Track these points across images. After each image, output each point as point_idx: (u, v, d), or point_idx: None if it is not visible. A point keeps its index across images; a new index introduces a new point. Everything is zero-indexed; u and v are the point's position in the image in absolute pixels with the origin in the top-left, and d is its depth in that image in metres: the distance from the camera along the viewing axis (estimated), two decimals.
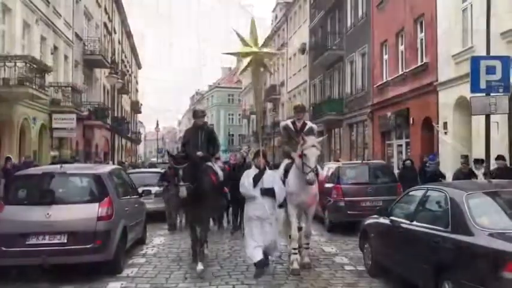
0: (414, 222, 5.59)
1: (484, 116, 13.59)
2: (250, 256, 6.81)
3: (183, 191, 6.77)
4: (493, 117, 13.00)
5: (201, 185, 7.20)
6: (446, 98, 15.71)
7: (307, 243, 7.75)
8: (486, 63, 8.19)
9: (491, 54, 12.97)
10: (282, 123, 8.24)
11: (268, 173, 7.05)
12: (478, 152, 12.40)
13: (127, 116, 42.16)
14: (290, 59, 38.56)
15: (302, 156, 6.92)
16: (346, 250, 9.05)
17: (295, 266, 7.16)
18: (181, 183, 6.76)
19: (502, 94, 8.26)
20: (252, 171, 7.03)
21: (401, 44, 19.67)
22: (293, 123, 7.97)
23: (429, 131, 17.01)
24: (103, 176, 7.41)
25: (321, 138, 7.57)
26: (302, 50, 34.12)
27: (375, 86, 21.87)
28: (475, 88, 8.30)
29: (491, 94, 8.30)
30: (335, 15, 28.56)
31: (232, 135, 68.84)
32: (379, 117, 21.36)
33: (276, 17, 44.30)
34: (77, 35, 24.04)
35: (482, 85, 8.08)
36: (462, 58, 14.98)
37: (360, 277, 7.00)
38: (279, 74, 42.54)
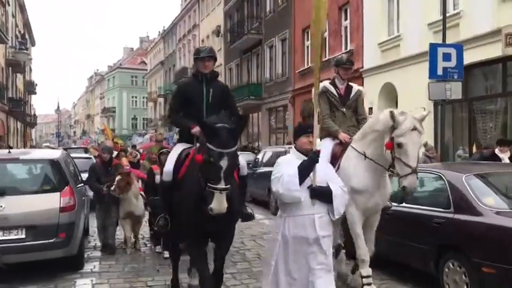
0: (410, 205, 5.67)
1: (409, 101, 14.48)
2: None
3: (221, 201, 3.80)
4: (420, 103, 13.95)
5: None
6: (372, 84, 16.41)
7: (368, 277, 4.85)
8: (443, 50, 8.61)
9: (420, 44, 13.87)
10: (320, 86, 5.35)
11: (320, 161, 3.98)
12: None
13: (22, 97, 38.64)
14: (203, 41, 37.87)
15: (394, 146, 4.39)
16: None
17: None
18: (222, 184, 3.80)
19: (456, 80, 8.76)
20: (291, 158, 4.06)
21: (325, 31, 20.13)
22: (333, 85, 5.52)
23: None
24: (60, 161, 6.62)
25: (425, 113, 4.62)
26: (217, 33, 33.68)
27: (296, 71, 22.24)
28: (432, 74, 8.71)
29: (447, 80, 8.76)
30: None
31: (136, 118, 66.41)
32: (302, 102, 21.81)
33: None
34: None
35: (439, 71, 8.51)
36: (388, 46, 15.75)
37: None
38: (190, 56, 41.58)
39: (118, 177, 7.23)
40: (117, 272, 6.55)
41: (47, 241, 5.95)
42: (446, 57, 8.55)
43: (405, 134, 4.34)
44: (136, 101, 68.29)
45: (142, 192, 7.86)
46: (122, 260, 7.17)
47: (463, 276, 4.79)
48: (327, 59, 19.53)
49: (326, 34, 19.97)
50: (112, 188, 7.18)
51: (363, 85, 17.33)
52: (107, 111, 69.83)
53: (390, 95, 15.79)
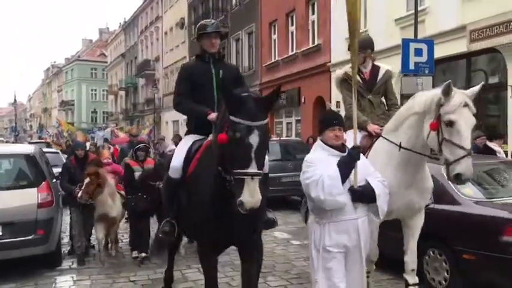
0: None
1: None
2: None
3: (254, 191, 2.98)
4: None
5: None
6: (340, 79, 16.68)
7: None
8: (414, 45, 8.86)
9: (387, 40, 14.20)
10: (338, 74, 5.01)
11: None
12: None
13: None
14: (166, 33, 37.37)
15: (440, 126, 3.67)
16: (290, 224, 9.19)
17: None
18: (254, 167, 3.01)
19: (427, 75, 9.04)
20: (322, 155, 3.47)
21: (292, 25, 20.30)
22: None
23: (321, 110, 17.96)
24: (36, 156, 6.44)
25: (477, 88, 3.82)
26: (181, 25, 33.30)
27: (263, 65, 22.31)
28: (405, 69, 8.96)
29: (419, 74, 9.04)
30: None
31: (96, 112, 64.89)
32: None
33: None
34: None
35: (411, 66, 8.76)
36: None
37: None
38: (152, 48, 41.00)
39: (86, 180, 6.25)
40: (96, 268, 6.46)
41: (25, 238, 5.81)
42: (418, 52, 8.82)
43: (456, 110, 3.59)
44: (96, 94, 66.66)
45: (121, 192, 7.04)
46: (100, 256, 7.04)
47: (443, 264, 5.01)
48: (294, 52, 19.76)
49: (293, 28, 20.16)
50: (79, 195, 6.21)
51: (330, 79, 17.68)
52: (65, 104, 67.87)
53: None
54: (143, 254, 6.68)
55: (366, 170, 3.51)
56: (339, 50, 16.75)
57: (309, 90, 18.51)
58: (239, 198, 2.93)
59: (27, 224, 5.83)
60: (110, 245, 7.24)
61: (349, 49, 4.49)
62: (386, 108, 4.93)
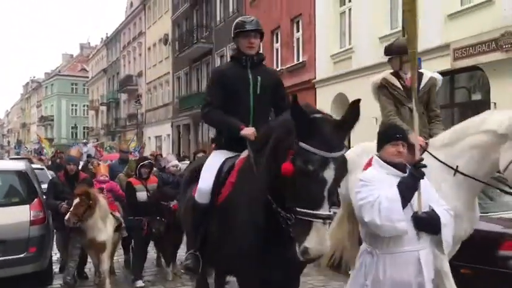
0: None
1: (361, 112, 14.96)
2: None
3: (323, 237, 2.46)
4: (372, 113, 14.48)
5: None
6: (325, 95, 16.88)
7: None
8: None
9: (372, 57, 14.44)
10: (375, 80, 4.50)
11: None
12: (356, 144, 13.53)
13: None
14: (149, 49, 37.35)
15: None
16: None
17: None
18: (325, 209, 2.50)
19: None
20: (380, 174, 3.07)
21: (277, 42, 20.52)
22: (396, 75, 4.37)
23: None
24: (28, 172, 6.34)
25: None
26: (164, 41, 33.36)
27: None
28: None
29: None
30: (202, 8, 28.49)
31: (76, 127, 64.12)
32: None
33: (132, 5, 42.43)
34: None
35: None
36: (340, 58, 16.28)
37: None
38: (135, 64, 40.90)
39: (76, 201, 5.65)
40: (89, 287, 6.32)
41: (16, 256, 5.67)
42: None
43: None
44: (76, 109, 65.97)
45: (116, 213, 6.31)
46: (91, 275, 6.87)
47: None
48: (279, 69, 19.93)
49: (278, 45, 20.37)
50: (66, 217, 5.58)
51: (315, 96, 17.87)
52: (44, 119, 66.96)
53: (343, 105, 16.28)
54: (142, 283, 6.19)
55: (429, 194, 3.04)
56: (324, 67, 16.99)
57: None
58: (304, 244, 2.40)
59: (20, 242, 5.71)
60: (100, 277, 6.08)
61: (389, 54, 4.39)
62: (427, 119, 4.35)
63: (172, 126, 32.56)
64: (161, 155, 11.86)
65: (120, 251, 7.29)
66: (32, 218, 5.87)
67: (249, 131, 3.30)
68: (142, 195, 6.37)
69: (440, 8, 12.02)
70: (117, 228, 6.21)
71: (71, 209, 5.65)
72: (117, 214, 6.38)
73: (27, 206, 5.94)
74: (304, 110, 2.53)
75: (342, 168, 2.54)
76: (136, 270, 6.38)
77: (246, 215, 3.00)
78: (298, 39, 18.97)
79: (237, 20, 3.78)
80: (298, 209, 2.47)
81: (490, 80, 10.95)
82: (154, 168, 7.67)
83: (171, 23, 32.76)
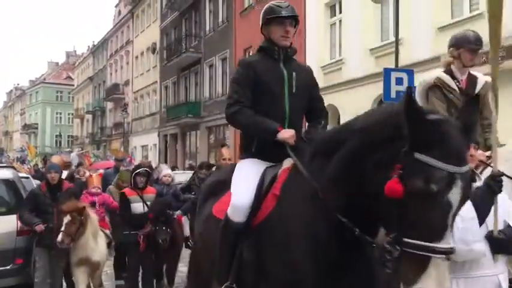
0: None
1: None
2: None
3: (443, 276, 1.87)
4: None
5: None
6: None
7: None
8: (395, 75, 9.05)
9: (362, 69, 14.51)
10: (427, 79, 3.98)
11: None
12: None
13: None
14: (136, 57, 37.15)
15: None
16: None
17: None
18: (447, 241, 1.91)
19: None
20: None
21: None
22: (450, 74, 3.88)
23: None
24: (16, 181, 6.15)
25: None
26: (152, 50, 33.21)
27: None
28: (386, 97, 9.10)
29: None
30: (191, 17, 28.45)
31: (61, 135, 63.37)
32: None
33: (120, 13, 42.26)
34: None
35: (393, 95, 8.91)
36: (330, 69, 16.33)
37: None
38: (122, 72, 40.63)
39: (66, 219, 5.10)
40: None
41: (2, 268, 5.48)
42: (399, 81, 9.00)
43: None
44: (61, 118, 65.23)
45: (106, 230, 5.90)
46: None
47: None
48: None
49: None
50: (59, 239, 5.04)
51: None
52: (28, 127, 66.05)
53: (333, 116, 16.29)
54: None
55: (504, 207, 2.60)
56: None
57: None
58: (418, 286, 1.83)
59: (6, 253, 5.55)
60: None
61: (460, 44, 3.78)
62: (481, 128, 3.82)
63: (159, 135, 32.30)
64: (150, 166, 11.34)
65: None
66: (18, 229, 5.69)
67: (287, 134, 2.76)
68: (138, 207, 5.75)
69: (431, 21, 12.14)
70: (108, 245, 5.88)
71: (63, 228, 5.06)
72: (107, 231, 5.94)
73: (14, 216, 5.75)
74: (422, 111, 1.94)
75: (469, 187, 1.96)
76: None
77: (303, 241, 2.38)
78: None
79: (269, 5, 3.12)
80: (409, 241, 1.87)
81: None
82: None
83: (160, 32, 32.65)
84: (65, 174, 8.03)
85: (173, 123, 28.62)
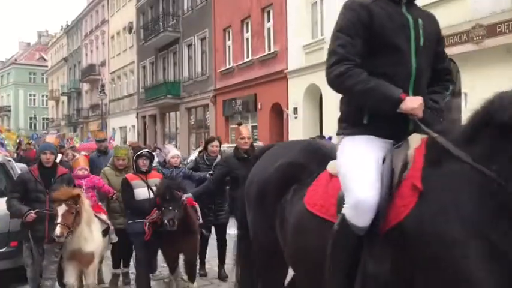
0: None
1: (333, 100, 15.13)
2: None
3: None
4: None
5: None
6: (297, 85, 16.94)
7: None
8: None
9: None
10: None
11: None
12: (327, 134, 13.51)
13: None
14: (112, 37, 36.43)
15: None
16: None
17: None
18: None
19: None
20: None
21: (247, 32, 20.38)
22: None
23: (278, 116, 18.13)
24: (6, 163, 6.07)
25: None
26: (129, 30, 32.60)
27: (218, 71, 22.24)
28: None
29: None
30: None
31: (35, 118, 62.09)
32: (224, 102, 21.84)
33: None
34: None
35: None
36: (313, 48, 16.34)
37: None
38: (98, 53, 39.82)
39: (62, 209, 4.45)
40: None
41: None
42: None
43: None
44: (35, 100, 63.78)
45: (101, 215, 5.18)
46: None
47: None
48: (250, 59, 19.84)
49: (248, 35, 20.25)
50: (57, 233, 4.35)
51: (287, 87, 17.90)
52: (0, 110, 64.49)
53: (314, 95, 16.41)
54: None
55: None
56: (296, 58, 17.01)
57: (266, 97, 18.63)
58: None
59: (0, 236, 5.46)
60: None
61: None
62: None
63: (137, 117, 31.98)
64: (139, 146, 11.01)
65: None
66: None
67: (415, 103, 2.14)
68: (142, 193, 5.13)
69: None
70: (105, 233, 5.12)
71: (59, 220, 4.38)
72: (103, 216, 5.24)
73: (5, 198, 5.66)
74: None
75: None
76: (144, 283, 5.21)
77: (480, 255, 1.79)
78: (269, 29, 18.90)
79: None
80: None
81: (461, 70, 11.25)
82: (156, 159, 6.93)
83: (136, 11, 32.01)
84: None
85: (152, 104, 28.35)
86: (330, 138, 10.00)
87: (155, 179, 5.23)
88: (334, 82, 2.30)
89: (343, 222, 2.15)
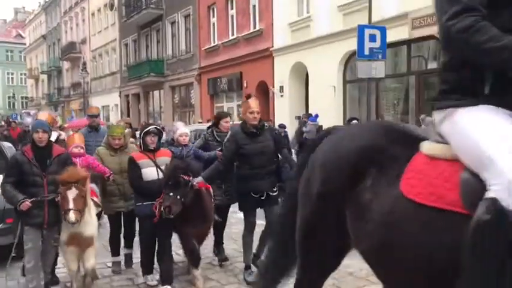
0: None
1: (319, 79, 15.22)
2: None
3: None
4: (330, 82, 14.76)
5: None
6: (283, 64, 16.95)
7: None
8: (369, 31, 9.22)
9: (330, 26, 14.62)
10: None
11: None
12: (314, 112, 13.58)
13: None
14: (93, 14, 35.71)
15: None
16: None
17: None
18: None
19: (380, 60, 9.46)
20: None
21: (232, 9, 20.21)
22: None
23: (264, 94, 18.16)
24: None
25: None
26: (110, 6, 31.99)
27: (202, 48, 22.07)
28: (360, 54, 9.29)
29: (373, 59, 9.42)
30: None
31: (14, 97, 60.93)
32: (208, 80, 21.75)
33: None
34: None
35: (366, 51, 9.11)
36: (299, 26, 16.32)
37: None
38: (78, 30, 39.04)
39: (73, 193, 4.19)
40: None
41: None
42: (372, 38, 9.19)
43: None
44: (13, 78, 62.43)
45: (94, 198, 4.85)
46: None
47: None
48: (235, 37, 19.73)
49: (233, 12, 20.10)
50: (72, 219, 4.12)
51: (273, 65, 17.88)
52: None
53: (301, 74, 16.47)
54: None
55: None
56: (282, 35, 16.98)
57: (251, 75, 18.61)
58: None
59: None
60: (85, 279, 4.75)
61: None
62: None
63: (120, 95, 31.65)
64: (130, 123, 10.91)
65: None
66: None
67: None
68: (150, 173, 4.75)
69: None
70: (98, 217, 4.91)
71: (71, 205, 4.13)
72: (95, 199, 4.92)
73: (1, 176, 5.66)
74: None
75: None
76: (148, 264, 5.00)
77: None
78: (254, 7, 18.77)
79: None
80: None
81: None
82: (164, 137, 6.24)
83: None
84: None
85: (135, 83, 28.06)
86: (316, 116, 10.13)
87: (164, 157, 4.85)
88: (457, 38, 1.81)
89: (499, 211, 1.67)
